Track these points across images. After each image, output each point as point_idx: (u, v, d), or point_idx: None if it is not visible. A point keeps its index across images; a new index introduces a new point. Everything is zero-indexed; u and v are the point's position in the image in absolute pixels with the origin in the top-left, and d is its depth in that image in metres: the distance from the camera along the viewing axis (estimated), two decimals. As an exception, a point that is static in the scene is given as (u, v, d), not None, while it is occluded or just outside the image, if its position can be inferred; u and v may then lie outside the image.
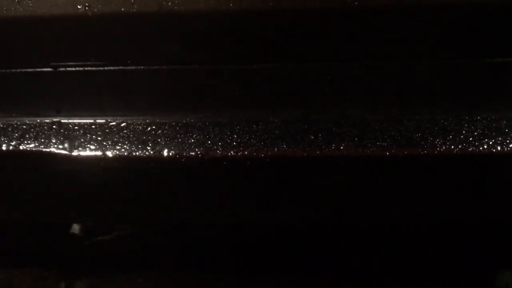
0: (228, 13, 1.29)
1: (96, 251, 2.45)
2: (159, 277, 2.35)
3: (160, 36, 1.34)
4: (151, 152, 1.39)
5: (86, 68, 1.39)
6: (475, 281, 2.23)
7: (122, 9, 1.30)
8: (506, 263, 2.24)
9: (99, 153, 1.40)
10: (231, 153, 1.38)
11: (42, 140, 1.42)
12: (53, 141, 1.41)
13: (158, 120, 1.40)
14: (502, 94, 1.37)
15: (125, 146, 1.40)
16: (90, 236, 2.45)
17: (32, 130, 1.42)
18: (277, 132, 1.38)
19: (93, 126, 1.41)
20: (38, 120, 1.42)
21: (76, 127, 1.41)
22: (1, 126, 1.43)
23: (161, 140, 1.39)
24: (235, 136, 1.39)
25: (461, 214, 1.62)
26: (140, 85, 1.41)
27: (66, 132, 1.41)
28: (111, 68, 1.39)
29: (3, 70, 1.41)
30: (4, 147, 1.42)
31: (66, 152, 1.40)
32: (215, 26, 1.32)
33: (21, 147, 1.42)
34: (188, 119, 1.40)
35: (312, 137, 1.37)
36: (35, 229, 2.21)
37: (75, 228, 2.38)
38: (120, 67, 1.38)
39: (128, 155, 1.39)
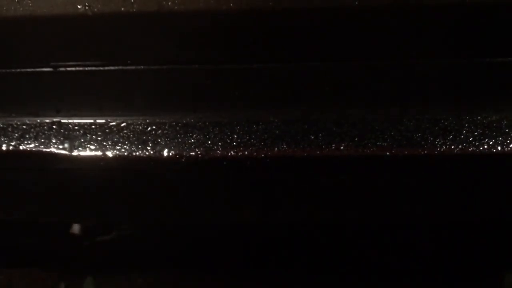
0: (228, 13, 1.29)
1: (96, 251, 2.45)
2: (159, 277, 2.35)
3: (160, 35, 1.34)
4: (151, 152, 1.39)
5: (86, 68, 1.39)
6: (478, 282, 2.23)
7: (122, 8, 1.29)
8: (508, 263, 2.24)
9: (99, 153, 1.40)
10: (231, 153, 1.38)
11: (42, 140, 1.42)
12: (53, 141, 1.41)
13: (158, 120, 1.40)
14: (503, 94, 1.37)
15: (125, 146, 1.40)
16: (90, 236, 2.45)
17: (32, 130, 1.42)
18: (277, 132, 1.38)
19: (93, 126, 1.41)
20: (38, 120, 1.42)
21: (76, 127, 1.41)
22: (1, 126, 1.43)
23: (161, 140, 1.39)
24: (235, 136, 1.39)
25: (461, 214, 1.62)
26: (140, 85, 1.41)
27: (66, 132, 1.41)
28: (111, 68, 1.39)
29: (3, 70, 1.41)
30: (4, 147, 1.42)
31: (66, 152, 1.41)
32: (215, 26, 1.32)
33: (21, 147, 1.42)
34: (188, 119, 1.40)
35: (312, 137, 1.37)
36: (35, 229, 2.21)
37: (75, 228, 2.38)
38: (120, 67, 1.38)
39: (128, 155, 1.39)
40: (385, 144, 1.36)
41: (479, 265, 2.27)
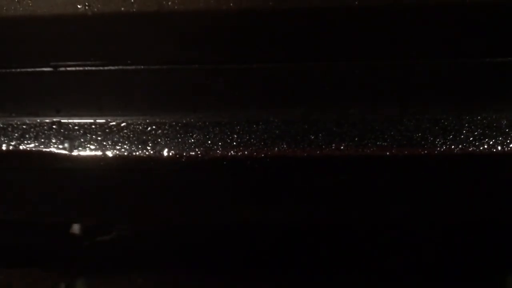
0: (228, 13, 1.29)
1: (96, 251, 2.46)
2: (159, 277, 2.35)
3: (160, 35, 1.34)
4: (151, 152, 1.39)
5: (86, 68, 1.39)
6: (480, 282, 2.23)
7: (122, 8, 1.30)
8: (507, 264, 2.24)
9: (99, 153, 1.40)
10: (231, 153, 1.38)
11: (42, 140, 1.42)
12: (53, 141, 1.41)
13: (158, 120, 1.40)
14: (503, 94, 1.37)
15: (125, 146, 1.40)
16: (90, 236, 2.45)
17: (32, 130, 1.42)
18: (277, 132, 1.38)
19: (93, 126, 1.41)
20: (38, 120, 1.43)
21: (76, 127, 1.42)
22: (1, 126, 1.43)
23: (161, 140, 1.39)
24: (235, 136, 1.39)
25: (462, 214, 1.62)
26: (140, 85, 1.41)
27: (66, 132, 1.42)
28: (111, 67, 1.39)
29: (3, 70, 1.41)
30: (4, 147, 1.42)
31: (66, 152, 1.41)
32: (215, 26, 1.32)
33: (21, 147, 1.42)
34: (188, 119, 1.40)
35: (312, 137, 1.38)
36: (35, 229, 2.21)
37: (75, 228, 2.38)
38: (120, 67, 1.38)
39: (128, 155, 1.39)
40: (385, 144, 1.36)
41: (480, 266, 2.27)
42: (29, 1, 1.31)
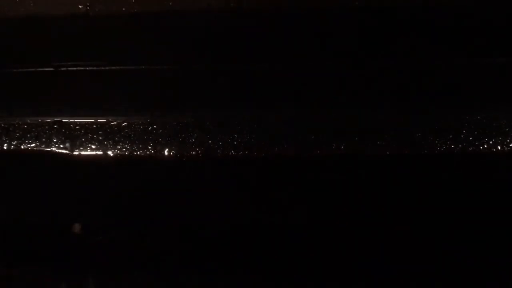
0: (229, 13, 1.30)
1: (96, 251, 2.45)
2: (159, 277, 2.35)
3: (161, 36, 1.35)
4: (152, 151, 1.39)
5: (87, 68, 1.40)
6: (478, 283, 2.23)
7: (123, 9, 1.30)
8: (506, 264, 2.24)
9: (100, 152, 1.40)
10: (231, 153, 1.38)
11: (44, 140, 1.42)
12: (54, 140, 1.42)
13: (159, 120, 1.41)
14: (502, 94, 1.38)
15: (126, 146, 1.40)
16: (90, 236, 2.45)
17: (33, 129, 1.43)
18: (277, 132, 1.39)
19: (94, 126, 1.42)
20: (40, 120, 1.43)
21: (77, 127, 1.42)
22: (3, 125, 1.44)
23: (162, 140, 1.40)
24: (236, 135, 1.39)
25: (460, 213, 1.63)
26: (141, 84, 1.41)
27: (67, 132, 1.42)
28: (112, 67, 1.39)
29: (5, 70, 1.42)
30: (5, 147, 1.42)
31: (67, 152, 1.41)
32: (216, 26, 1.33)
33: (22, 147, 1.42)
34: (188, 118, 1.41)
35: (312, 137, 1.38)
36: (35, 229, 2.21)
37: (76, 228, 2.38)
38: (121, 67, 1.39)
39: (129, 154, 1.39)
40: (385, 144, 1.36)
41: (479, 266, 2.27)
42: (31, 2, 1.32)
